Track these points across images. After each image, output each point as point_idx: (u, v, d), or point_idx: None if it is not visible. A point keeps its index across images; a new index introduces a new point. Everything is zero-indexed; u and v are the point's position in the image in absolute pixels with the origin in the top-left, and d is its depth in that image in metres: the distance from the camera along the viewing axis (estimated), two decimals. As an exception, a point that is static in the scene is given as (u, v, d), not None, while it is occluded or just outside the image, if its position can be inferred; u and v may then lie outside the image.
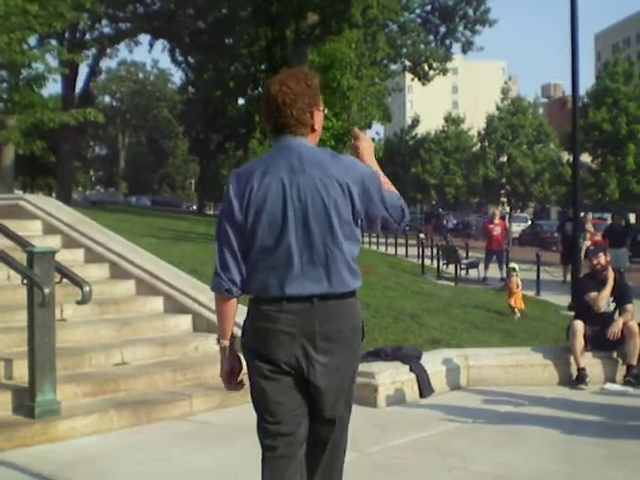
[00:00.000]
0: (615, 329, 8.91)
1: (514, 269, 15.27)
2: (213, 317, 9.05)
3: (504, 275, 21.14)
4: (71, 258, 9.73)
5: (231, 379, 3.80)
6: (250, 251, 3.59)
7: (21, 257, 7.00)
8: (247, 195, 3.55)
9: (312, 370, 3.53)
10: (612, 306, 9.24)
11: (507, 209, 63.05)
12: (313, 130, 3.70)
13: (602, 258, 9.34)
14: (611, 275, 9.18)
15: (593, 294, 9.17)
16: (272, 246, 3.53)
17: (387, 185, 3.70)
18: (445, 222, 41.87)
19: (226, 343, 3.79)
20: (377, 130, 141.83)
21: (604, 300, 9.11)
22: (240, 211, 3.56)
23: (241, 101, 50.30)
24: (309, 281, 3.52)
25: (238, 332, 3.70)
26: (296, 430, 3.59)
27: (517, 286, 14.35)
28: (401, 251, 30.56)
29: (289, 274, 3.51)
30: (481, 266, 22.71)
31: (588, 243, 21.66)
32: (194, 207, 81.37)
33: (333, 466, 3.76)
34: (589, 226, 24.47)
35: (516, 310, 13.81)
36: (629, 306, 9.14)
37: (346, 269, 3.59)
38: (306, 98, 3.63)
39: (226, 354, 3.81)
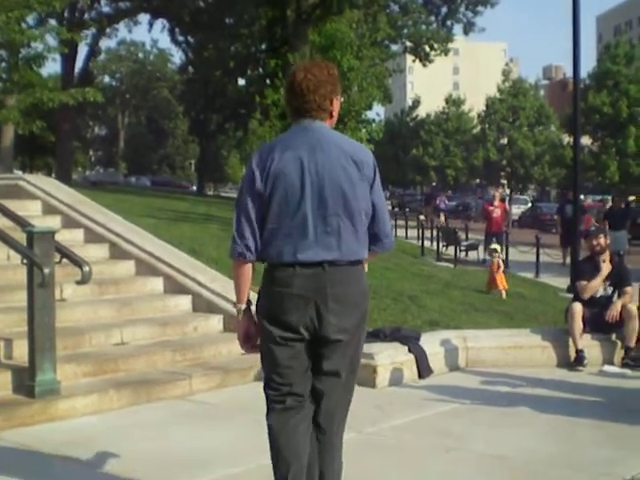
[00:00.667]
0: (614, 311, 8.93)
1: (495, 250, 15.33)
2: (213, 297, 9.09)
3: (504, 257, 21.21)
4: (71, 238, 9.73)
5: (247, 342, 4.01)
6: (267, 220, 3.85)
7: (21, 237, 7.01)
8: (268, 165, 3.84)
9: (324, 327, 3.82)
10: (610, 289, 9.26)
11: (507, 191, 63.04)
12: (331, 116, 4.02)
13: (602, 239, 9.34)
14: (606, 265, 9.15)
15: (583, 283, 9.18)
16: (289, 214, 3.81)
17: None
18: (438, 202, 41.65)
19: (242, 307, 3.98)
20: (377, 111, 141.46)
21: (592, 290, 9.10)
22: (261, 180, 3.84)
23: (241, 81, 50.21)
24: (321, 249, 3.81)
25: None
26: (305, 389, 3.93)
27: (498, 267, 14.43)
28: (401, 232, 30.56)
29: (303, 242, 3.80)
30: (480, 248, 22.72)
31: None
32: (193, 187, 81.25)
33: (335, 423, 4.05)
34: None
35: (502, 290, 13.87)
36: (628, 288, 9.15)
37: (355, 239, 3.88)
38: (328, 86, 3.94)
39: (242, 318, 4.00)
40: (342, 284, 3.82)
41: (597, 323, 9.05)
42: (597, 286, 9.11)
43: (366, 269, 4.02)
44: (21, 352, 6.82)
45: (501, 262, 15.04)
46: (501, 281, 14.30)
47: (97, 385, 6.96)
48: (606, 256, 9.31)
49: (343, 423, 4.12)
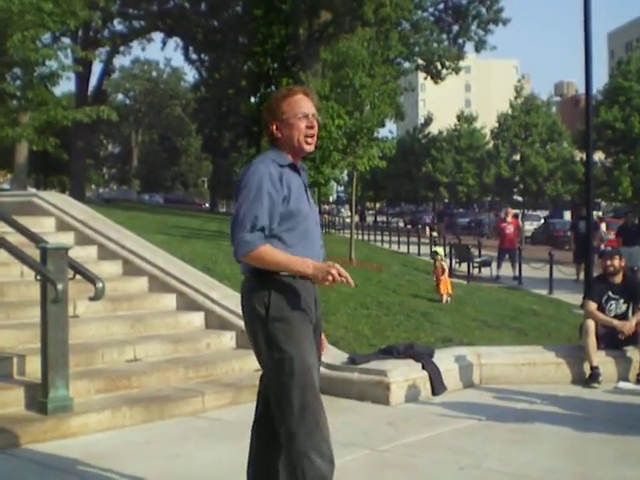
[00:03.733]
0: (627, 327, 8.89)
1: (437, 253, 15.12)
2: (225, 314, 9.09)
3: (517, 273, 21.18)
4: (84, 255, 9.76)
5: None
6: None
7: (34, 253, 7.03)
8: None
9: (319, 322, 4.39)
10: (624, 306, 9.23)
11: (514, 211, 62.86)
12: (272, 139, 4.33)
13: (616, 261, 9.30)
14: (623, 324, 9.05)
15: (592, 306, 9.13)
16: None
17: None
18: (425, 218, 42.51)
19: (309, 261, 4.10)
20: (390, 129, 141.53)
21: (597, 321, 9.05)
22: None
23: (254, 99, 50.36)
24: None
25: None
26: None
27: (443, 271, 14.29)
28: (413, 249, 30.53)
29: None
30: (494, 264, 22.68)
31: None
32: (207, 205, 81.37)
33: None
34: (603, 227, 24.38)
35: (444, 296, 13.75)
36: (643, 304, 9.11)
37: None
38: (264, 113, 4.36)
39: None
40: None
41: (612, 339, 9.01)
42: (604, 323, 9.04)
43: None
44: (34, 368, 6.83)
45: (445, 266, 14.70)
46: (445, 286, 14.02)
47: (110, 402, 6.95)
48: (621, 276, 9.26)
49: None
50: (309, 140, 4.27)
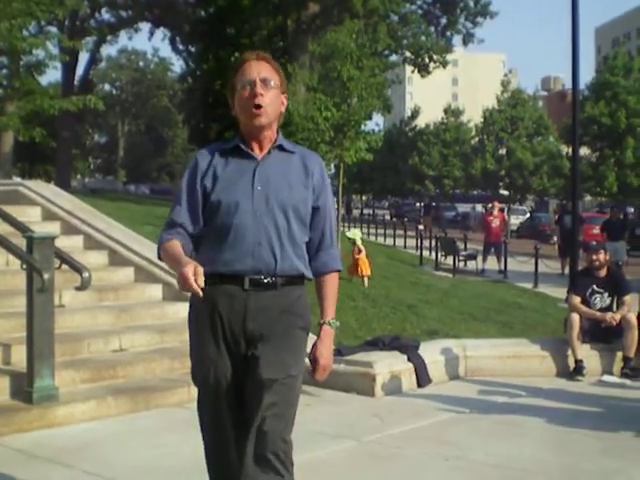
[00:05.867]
0: (609, 316, 8.96)
1: (349, 238, 15.00)
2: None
3: (502, 267, 21.26)
4: (70, 244, 9.72)
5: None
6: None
7: (20, 242, 7.00)
8: None
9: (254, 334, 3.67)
10: (608, 300, 9.28)
11: (498, 206, 63.08)
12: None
13: (602, 256, 9.37)
14: (605, 315, 9.13)
15: (577, 299, 9.21)
16: None
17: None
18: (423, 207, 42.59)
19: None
20: (377, 121, 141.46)
21: (581, 314, 9.12)
22: None
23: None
24: None
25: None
26: None
27: (359, 251, 14.12)
28: (399, 242, 30.57)
29: None
30: (479, 258, 22.73)
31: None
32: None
33: None
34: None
35: (364, 277, 13.70)
36: (627, 298, 9.17)
37: None
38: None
39: None
40: None
41: (596, 333, 9.07)
42: (588, 316, 9.11)
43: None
44: (19, 358, 6.81)
45: (361, 246, 14.32)
46: (364, 266, 13.80)
47: (95, 392, 6.94)
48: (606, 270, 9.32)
49: None
50: (254, 111, 3.52)
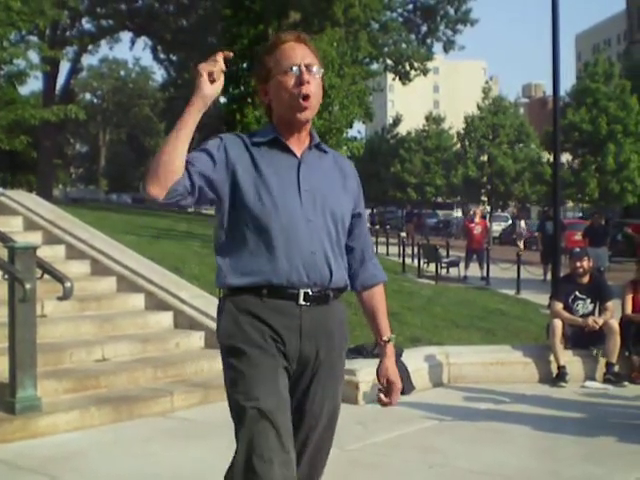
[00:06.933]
0: (591, 320, 9.00)
1: None
2: (194, 314, 9.07)
3: (484, 274, 21.31)
4: (52, 254, 9.70)
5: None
6: None
7: (2, 252, 6.98)
8: None
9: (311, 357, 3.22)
10: (591, 306, 9.32)
11: (487, 208, 63.38)
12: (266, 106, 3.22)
13: (585, 262, 9.42)
14: (586, 320, 9.18)
15: (559, 306, 9.25)
16: None
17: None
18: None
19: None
20: (358, 129, 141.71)
21: (564, 320, 9.17)
22: None
23: (222, 99, 50.28)
24: None
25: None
26: None
27: None
28: (382, 249, 30.60)
29: None
30: (461, 265, 22.77)
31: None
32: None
33: None
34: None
35: None
36: (609, 304, 9.22)
37: None
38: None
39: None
40: None
41: (579, 339, 9.11)
42: (570, 322, 9.16)
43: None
44: (1, 368, 6.77)
45: None
46: None
47: (78, 402, 6.92)
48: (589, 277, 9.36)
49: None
50: (302, 103, 3.04)
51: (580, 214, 58.32)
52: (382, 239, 32.08)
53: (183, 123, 2.97)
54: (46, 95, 47.04)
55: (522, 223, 44.20)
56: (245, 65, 34.28)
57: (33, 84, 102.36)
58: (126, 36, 54.72)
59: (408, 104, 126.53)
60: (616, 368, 8.88)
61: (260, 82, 3.15)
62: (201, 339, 8.86)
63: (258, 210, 2.99)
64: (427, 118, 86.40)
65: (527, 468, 5.87)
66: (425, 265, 23.07)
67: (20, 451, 6.00)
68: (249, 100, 25.24)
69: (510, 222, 53.56)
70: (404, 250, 25.02)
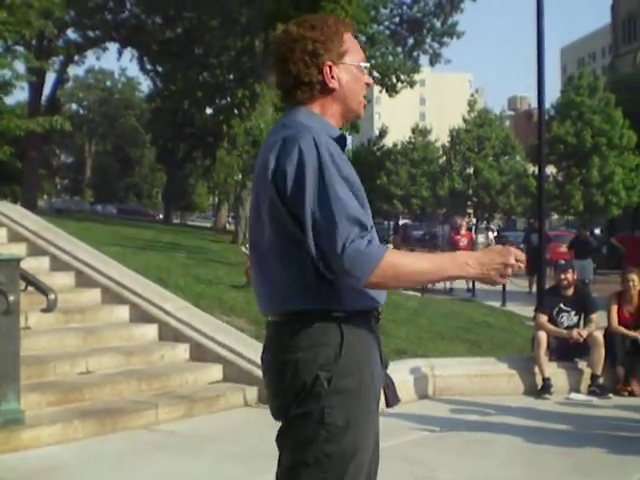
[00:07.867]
0: (575, 332, 9.03)
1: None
2: (179, 326, 9.03)
3: (470, 286, 21.33)
4: (36, 266, 9.64)
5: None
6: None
7: (-15, 264, 6.93)
8: None
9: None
10: (575, 318, 9.35)
11: (473, 220, 63.57)
12: (322, 90, 2.74)
13: (570, 275, 9.45)
14: (570, 332, 9.22)
15: (543, 318, 9.28)
16: None
17: None
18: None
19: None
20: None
21: (548, 332, 9.20)
22: None
23: (209, 110, 50.24)
24: None
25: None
26: None
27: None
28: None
29: None
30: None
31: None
32: (160, 216, 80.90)
33: None
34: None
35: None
36: (594, 316, 9.24)
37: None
38: (309, 43, 2.69)
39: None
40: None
41: (563, 351, 9.13)
42: (554, 334, 9.19)
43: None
44: (-16, 381, 6.73)
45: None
46: None
47: (62, 415, 6.87)
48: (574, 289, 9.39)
49: None
50: (364, 101, 2.87)
51: (564, 227, 58.48)
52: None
53: (433, 274, 2.71)
54: (32, 106, 46.86)
55: (490, 234, 43.28)
56: (232, 76, 34.32)
57: (19, 94, 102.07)
58: (113, 46, 54.57)
59: (394, 116, 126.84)
60: (601, 380, 8.90)
61: (324, 53, 2.70)
62: (186, 351, 8.82)
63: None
64: (413, 130, 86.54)
65: (513, 479, 5.87)
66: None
67: (3, 464, 5.95)
68: (235, 111, 25.20)
69: (496, 234, 53.70)
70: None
